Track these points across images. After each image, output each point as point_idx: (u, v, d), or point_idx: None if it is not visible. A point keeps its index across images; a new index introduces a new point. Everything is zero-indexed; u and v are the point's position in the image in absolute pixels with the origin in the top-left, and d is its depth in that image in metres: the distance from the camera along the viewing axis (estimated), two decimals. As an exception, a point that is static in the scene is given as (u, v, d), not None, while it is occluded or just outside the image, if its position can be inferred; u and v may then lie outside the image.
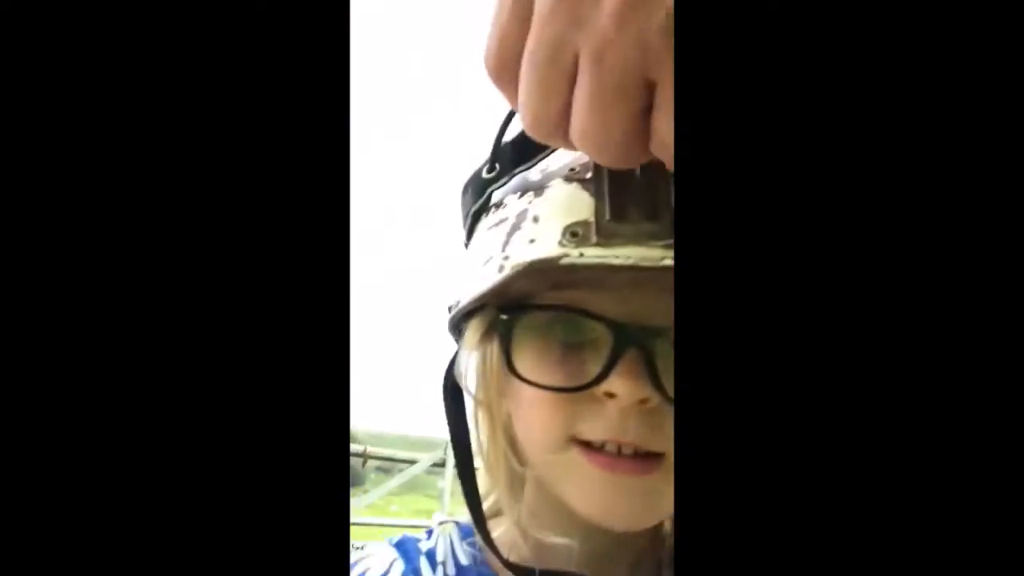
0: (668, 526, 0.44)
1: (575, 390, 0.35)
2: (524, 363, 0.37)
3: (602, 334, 0.35)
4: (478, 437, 0.42)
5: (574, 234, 0.33)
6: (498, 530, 0.43)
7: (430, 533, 0.47)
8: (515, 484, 0.42)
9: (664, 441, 0.36)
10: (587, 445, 0.36)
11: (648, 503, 0.37)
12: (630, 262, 0.31)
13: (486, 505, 0.43)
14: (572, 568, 0.40)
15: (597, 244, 0.32)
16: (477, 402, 0.42)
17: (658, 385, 0.34)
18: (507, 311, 0.37)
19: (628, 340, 0.34)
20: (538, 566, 0.40)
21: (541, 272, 0.34)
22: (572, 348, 0.36)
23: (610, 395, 0.34)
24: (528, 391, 0.37)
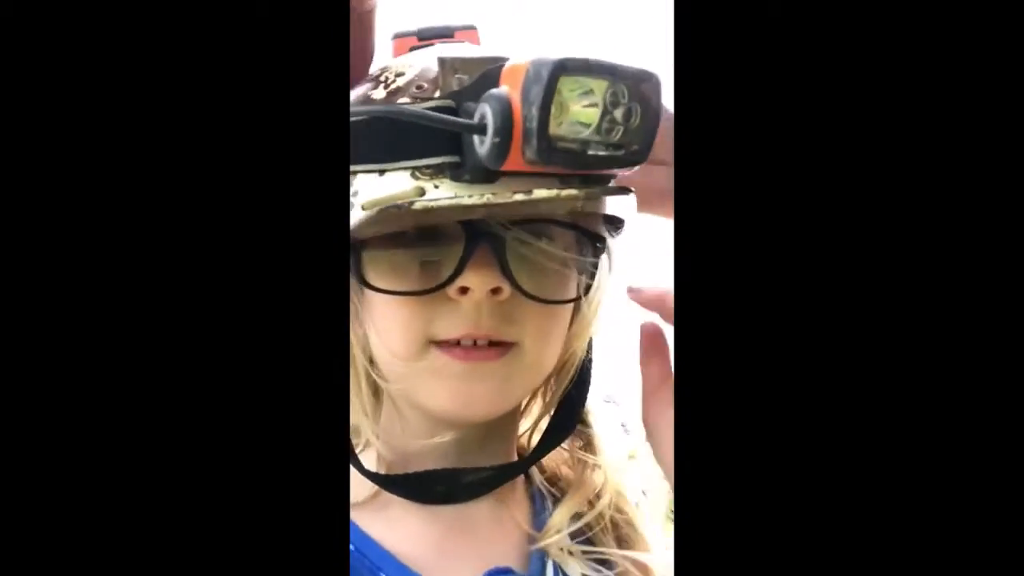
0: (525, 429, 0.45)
1: (430, 291, 0.36)
2: (378, 276, 0.38)
3: (455, 233, 0.36)
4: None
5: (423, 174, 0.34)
6: (366, 458, 0.43)
7: None
8: (376, 407, 0.43)
9: (516, 331, 0.37)
10: (444, 344, 0.37)
11: (501, 387, 0.39)
12: (483, 200, 0.33)
13: (353, 437, 0.44)
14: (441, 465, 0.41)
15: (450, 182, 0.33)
16: None
17: (509, 276, 0.36)
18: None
19: (480, 235, 0.35)
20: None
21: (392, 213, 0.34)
22: (427, 258, 0.37)
23: (464, 290, 0.36)
24: (384, 305, 0.38)
